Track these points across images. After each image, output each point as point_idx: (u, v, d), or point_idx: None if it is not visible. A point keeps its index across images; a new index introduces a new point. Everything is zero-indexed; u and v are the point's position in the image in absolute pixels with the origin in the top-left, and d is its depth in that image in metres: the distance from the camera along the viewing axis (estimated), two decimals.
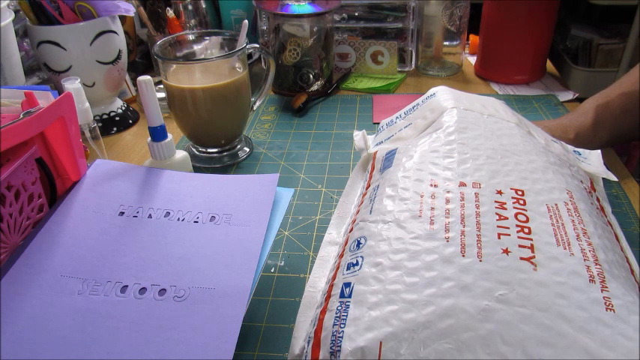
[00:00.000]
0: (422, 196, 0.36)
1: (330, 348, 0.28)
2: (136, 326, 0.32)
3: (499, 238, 0.32)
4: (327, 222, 0.51)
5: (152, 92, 0.46)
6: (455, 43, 0.86)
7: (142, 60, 0.89)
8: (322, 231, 0.50)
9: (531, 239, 0.32)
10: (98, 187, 0.43)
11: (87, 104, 0.55)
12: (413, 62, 0.89)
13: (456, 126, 0.42)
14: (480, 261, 0.30)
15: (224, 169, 0.62)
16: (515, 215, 0.33)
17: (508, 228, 0.32)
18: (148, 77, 0.46)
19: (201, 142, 0.64)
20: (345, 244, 0.37)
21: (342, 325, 0.29)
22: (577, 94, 0.77)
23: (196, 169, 0.58)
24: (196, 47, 0.63)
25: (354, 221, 0.39)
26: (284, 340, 0.39)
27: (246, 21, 0.59)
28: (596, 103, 0.57)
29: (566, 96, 0.77)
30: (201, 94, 0.57)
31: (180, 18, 0.82)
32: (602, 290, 0.29)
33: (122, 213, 0.40)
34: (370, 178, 0.44)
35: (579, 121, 0.56)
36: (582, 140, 0.55)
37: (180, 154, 0.51)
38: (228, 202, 0.42)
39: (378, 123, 0.56)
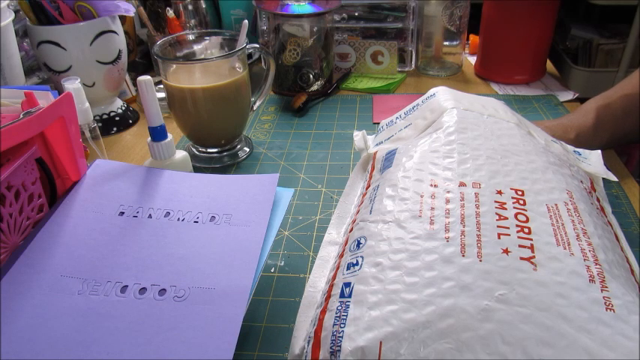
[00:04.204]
0: (422, 196, 0.36)
1: (330, 348, 0.28)
2: (136, 326, 0.32)
3: (499, 238, 0.32)
4: (327, 222, 0.51)
5: (152, 92, 0.46)
6: (455, 43, 0.86)
7: (142, 60, 0.89)
8: (322, 231, 0.50)
9: (531, 239, 0.32)
10: (98, 187, 0.43)
11: (87, 104, 0.55)
12: (413, 62, 0.89)
13: (456, 126, 0.42)
14: (480, 261, 0.30)
15: (224, 169, 0.62)
16: (515, 215, 0.33)
17: (508, 228, 0.32)
18: (148, 77, 0.46)
19: (201, 142, 0.64)
20: (345, 244, 0.37)
21: (342, 325, 0.29)
22: (577, 94, 0.77)
23: (196, 169, 0.58)
24: (196, 47, 0.63)
25: (354, 221, 0.39)
26: (284, 340, 0.39)
27: (246, 21, 0.59)
28: (597, 104, 0.57)
29: (566, 96, 0.77)
30: (201, 94, 0.57)
31: (180, 18, 0.82)
32: (602, 290, 0.29)
33: (122, 213, 0.40)
34: (370, 178, 0.44)
35: (580, 122, 0.56)
36: (583, 141, 0.55)
37: (180, 154, 0.51)
38: (228, 202, 0.42)
39: (378, 123, 0.56)
